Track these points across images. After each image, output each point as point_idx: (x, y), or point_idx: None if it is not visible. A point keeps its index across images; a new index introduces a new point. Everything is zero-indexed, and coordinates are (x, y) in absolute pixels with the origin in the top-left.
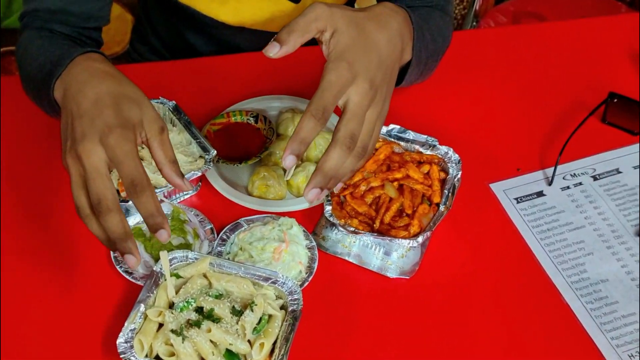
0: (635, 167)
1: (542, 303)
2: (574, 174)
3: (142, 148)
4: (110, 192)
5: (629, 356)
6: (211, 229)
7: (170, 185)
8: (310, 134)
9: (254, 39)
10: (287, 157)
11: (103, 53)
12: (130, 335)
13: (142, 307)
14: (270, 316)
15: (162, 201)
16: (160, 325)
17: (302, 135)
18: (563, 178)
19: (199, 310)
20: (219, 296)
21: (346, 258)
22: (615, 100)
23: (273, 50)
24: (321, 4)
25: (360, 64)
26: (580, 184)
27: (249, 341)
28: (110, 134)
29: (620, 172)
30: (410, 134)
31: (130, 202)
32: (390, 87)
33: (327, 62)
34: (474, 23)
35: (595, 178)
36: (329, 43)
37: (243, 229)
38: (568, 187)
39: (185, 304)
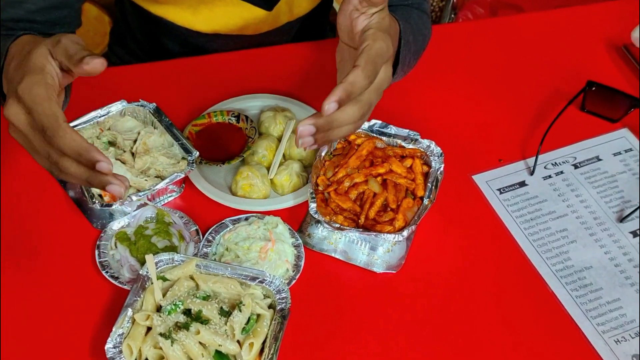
0: (615, 154)
1: (528, 292)
2: (555, 162)
3: (124, 152)
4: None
5: (615, 341)
6: (196, 230)
7: (154, 189)
8: (358, 91)
9: (229, 43)
10: (331, 103)
11: (33, 33)
12: (118, 340)
13: (129, 312)
14: (258, 315)
15: (145, 204)
16: (149, 329)
17: (352, 89)
18: (545, 167)
19: (187, 312)
20: (206, 297)
21: (332, 255)
22: (594, 88)
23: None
24: None
25: (392, 46)
26: (562, 172)
27: (238, 341)
28: (18, 86)
29: (600, 160)
30: (392, 129)
31: (115, 206)
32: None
33: (373, 29)
34: (452, 16)
35: (576, 166)
36: (374, 15)
37: (228, 229)
38: (550, 176)
39: (173, 307)
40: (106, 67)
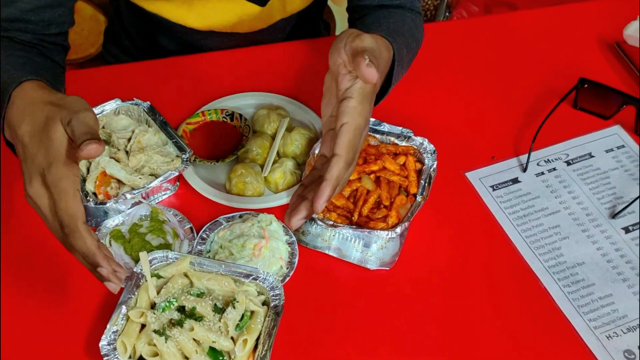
0: (607, 151)
1: (520, 288)
2: (548, 159)
3: (118, 150)
4: (69, 221)
5: (607, 337)
6: (190, 228)
7: (148, 187)
8: (343, 179)
9: (224, 40)
10: (323, 203)
11: (39, 78)
12: (112, 337)
13: (123, 309)
14: (252, 312)
15: (140, 202)
16: (143, 326)
17: (338, 182)
18: (537, 164)
19: (181, 309)
20: (200, 295)
21: (326, 252)
22: (586, 85)
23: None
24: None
25: (371, 107)
26: (554, 169)
27: (232, 338)
28: (47, 175)
29: (592, 157)
30: (386, 126)
31: (109, 204)
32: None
33: (354, 100)
34: (447, 14)
35: (568, 163)
36: (359, 79)
37: (222, 226)
38: (542, 173)
39: (167, 304)
40: (101, 66)
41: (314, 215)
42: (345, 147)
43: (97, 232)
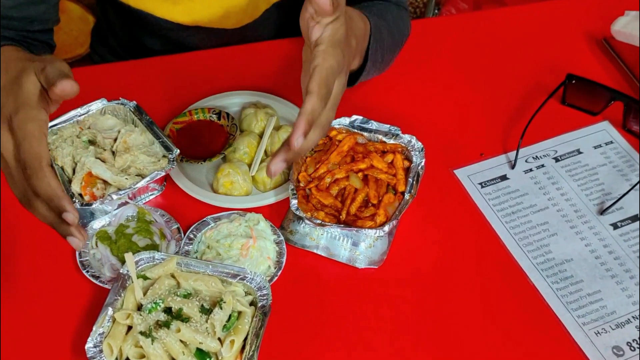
0: (595, 147)
1: (509, 285)
2: (536, 156)
3: (104, 150)
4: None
5: (595, 333)
6: (178, 228)
7: (135, 187)
8: (318, 116)
9: (211, 38)
10: (299, 138)
11: (13, 43)
12: (99, 339)
13: (110, 311)
14: (239, 313)
15: (126, 203)
16: (129, 327)
17: (312, 117)
18: (525, 161)
19: (168, 310)
20: (187, 295)
21: (314, 251)
22: (574, 81)
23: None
24: None
25: (346, 59)
26: (543, 165)
27: (219, 339)
28: (13, 119)
29: (581, 153)
30: (373, 124)
31: (95, 205)
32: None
33: (324, 44)
34: (436, 11)
35: (557, 159)
36: (327, 26)
37: (210, 226)
38: (531, 170)
39: (154, 305)
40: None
41: (301, 214)
42: (317, 83)
43: None
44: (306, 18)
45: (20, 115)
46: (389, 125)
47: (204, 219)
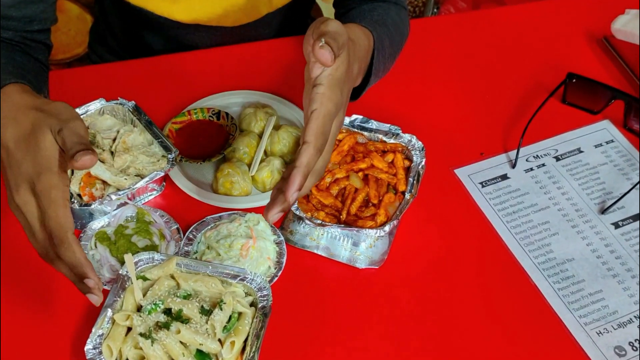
0: (596, 146)
1: (511, 285)
2: (537, 155)
3: (103, 151)
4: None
5: (597, 333)
6: (177, 229)
7: (134, 187)
8: (314, 166)
9: (210, 36)
10: (295, 193)
11: (22, 80)
12: (98, 341)
13: (109, 312)
14: (240, 314)
15: (125, 203)
16: (129, 329)
17: (309, 169)
18: (526, 160)
19: (168, 311)
20: (187, 296)
21: (315, 251)
22: (574, 80)
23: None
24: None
25: (345, 95)
26: (543, 165)
27: (219, 340)
28: (37, 184)
29: (582, 152)
30: (373, 124)
31: (94, 206)
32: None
33: (323, 86)
34: (435, 10)
35: (557, 158)
36: (326, 67)
37: (209, 227)
38: (531, 169)
39: (153, 306)
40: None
41: (301, 214)
42: (314, 133)
43: (82, 234)
44: (308, 51)
45: (44, 181)
46: (389, 125)
47: (204, 219)
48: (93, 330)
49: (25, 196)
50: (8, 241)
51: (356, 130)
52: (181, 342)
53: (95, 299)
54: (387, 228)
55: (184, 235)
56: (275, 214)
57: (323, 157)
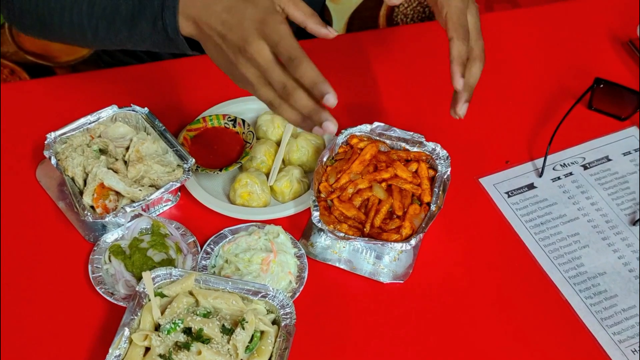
0: (624, 154)
1: (540, 300)
2: (564, 164)
3: (116, 160)
4: (289, 78)
5: (632, 351)
6: (194, 241)
7: (149, 199)
8: (466, 55)
9: None
10: (460, 80)
11: None
12: None
13: (126, 331)
14: (262, 332)
15: (140, 215)
16: (147, 349)
17: (463, 58)
18: (553, 169)
19: (187, 331)
20: (207, 314)
21: (336, 264)
22: (602, 85)
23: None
24: None
25: None
26: (571, 174)
27: None
28: (264, 26)
29: (610, 160)
30: (396, 131)
31: (108, 218)
32: None
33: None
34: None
35: (585, 167)
36: None
37: (227, 239)
38: (559, 178)
39: (173, 326)
40: (99, 69)
41: (323, 227)
42: (453, 28)
43: (95, 248)
44: None
45: (271, 21)
46: (412, 133)
47: (221, 231)
48: (110, 350)
49: (257, 44)
50: (23, 259)
51: (378, 138)
52: None
53: (332, 126)
54: (413, 241)
55: (201, 249)
56: (464, 106)
57: (475, 44)
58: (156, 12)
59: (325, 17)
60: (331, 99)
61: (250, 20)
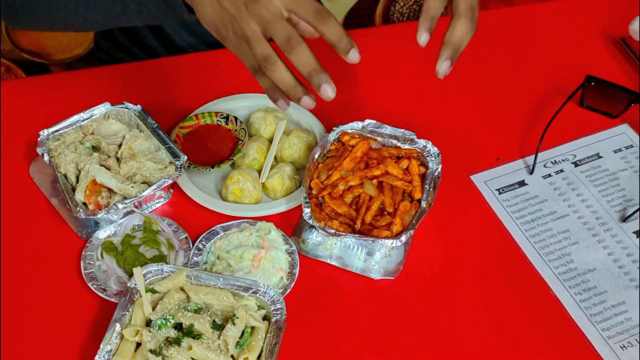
0: (615, 151)
1: (530, 296)
2: (555, 161)
3: (109, 157)
4: (294, 32)
5: (621, 347)
6: (186, 238)
7: (141, 196)
8: (438, 12)
9: None
10: (423, 35)
11: None
12: (106, 357)
13: (117, 327)
14: (253, 328)
15: (132, 211)
16: (138, 344)
17: (432, 13)
18: (544, 166)
19: (178, 326)
20: (198, 310)
21: (328, 261)
22: (593, 83)
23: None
24: None
25: None
26: (562, 171)
27: (232, 356)
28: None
29: (600, 157)
30: (387, 129)
31: (100, 215)
32: None
33: None
34: (443, 10)
35: (576, 164)
36: None
37: (219, 236)
38: (550, 175)
39: (164, 321)
40: (91, 67)
41: (314, 224)
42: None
43: (88, 244)
44: None
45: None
46: (403, 130)
47: (213, 228)
48: (101, 346)
49: (280, 24)
50: (13, 255)
51: (369, 135)
52: (193, 359)
53: (330, 91)
54: (403, 238)
55: (192, 245)
56: (444, 63)
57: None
58: None
59: None
60: (355, 55)
61: (274, 6)
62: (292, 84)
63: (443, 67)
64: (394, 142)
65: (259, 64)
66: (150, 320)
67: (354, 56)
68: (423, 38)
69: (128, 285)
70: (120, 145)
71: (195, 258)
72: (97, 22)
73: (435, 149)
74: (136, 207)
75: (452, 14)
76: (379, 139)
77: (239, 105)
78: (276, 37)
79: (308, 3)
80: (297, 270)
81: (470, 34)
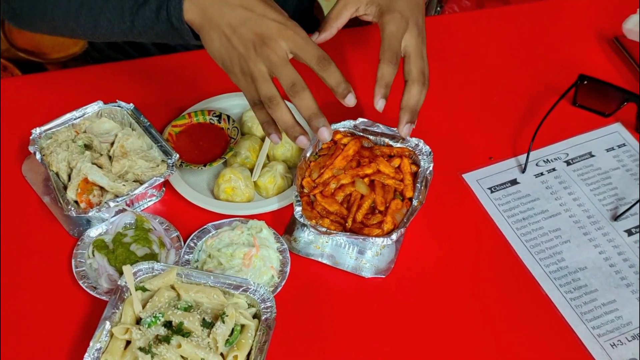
0: (608, 150)
1: (521, 295)
2: (547, 159)
3: (101, 155)
4: (299, 77)
5: (611, 345)
6: (177, 236)
7: (132, 194)
8: (391, 78)
9: None
10: (380, 101)
11: None
12: (96, 355)
13: (107, 325)
14: (242, 326)
15: (124, 210)
16: (128, 342)
17: (387, 80)
18: (536, 164)
19: (168, 324)
20: (188, 308)
21: (319, 259)
22: (586, 82)
23: (313, 37)
24: None
25: (407, 11)
26: (554, 169)
27: (221, 354)
28: (285, 28)
29: (593, 156)
30: (379, 127)
31: (92, 213)
32: (423, 19)
33: (381, 15)
34: (438, 8)
35: (568, 163)
36: (372, 4)
37: (211, 234)
38: (542, 174)
39: (153, 319)
40: (85, 65)
41: (306, 222)
42: (382, 51)
43: (79, 242)
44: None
45: (291, 24)
46: (395, 128)
47: (205, 226)
48: (91, 344)
49: (276, 42)
50: (4, 252)
51: (361, 134)
52: (182, 357)
53: (326, 133)
54: (394, 236)
55: (184, 243)
56: (405, 127)
57: (414, 66)
58: (160, 1)
59: (316, 14)
60: (351, 100)
61: (271, 20)
62: (291, 123)
63: (405, 130)
64: (386, 140)
65: (261, 100)
66: (140, 319)
67: (350, 100)
68: (380, 104)
69: (118, 283)
70: (112, 144)
71: (186, 256)
72: (104, 36)
73: (427, 147)
74: (128, 205)
75: (405, 80)
76: (371, 137)
77: (232, 103)
78: (282, 80)
79: (312, 49)
80: (288, 269)
81: (423, 95)
